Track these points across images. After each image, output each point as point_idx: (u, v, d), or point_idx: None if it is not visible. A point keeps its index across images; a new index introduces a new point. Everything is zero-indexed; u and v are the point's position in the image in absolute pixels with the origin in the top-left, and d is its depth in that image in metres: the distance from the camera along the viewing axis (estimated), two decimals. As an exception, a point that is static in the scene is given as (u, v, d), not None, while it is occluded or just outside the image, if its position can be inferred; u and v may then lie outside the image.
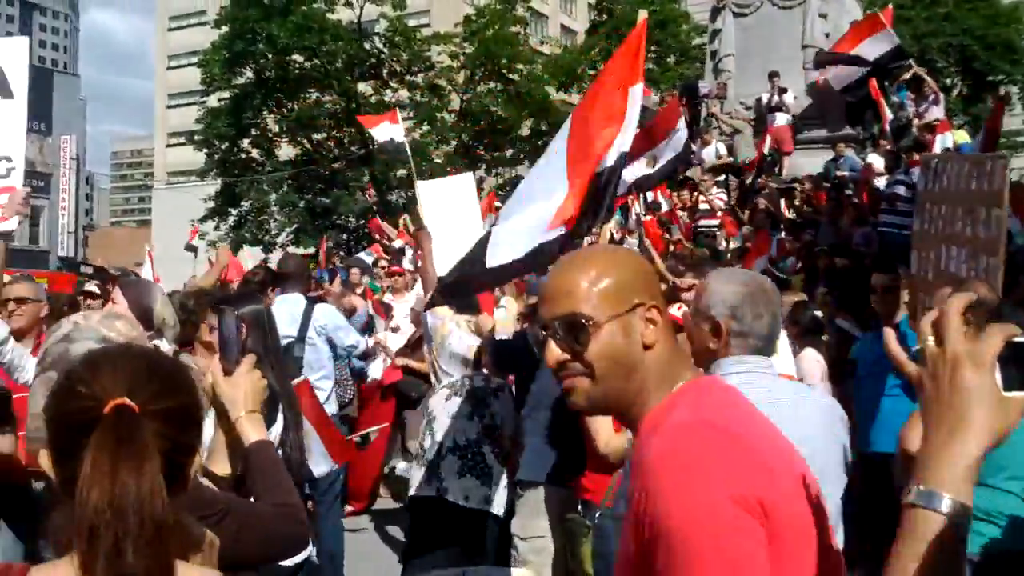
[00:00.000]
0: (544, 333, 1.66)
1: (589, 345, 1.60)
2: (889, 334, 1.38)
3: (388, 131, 12.49)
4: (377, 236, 15.71)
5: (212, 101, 37.33)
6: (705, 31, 25.98)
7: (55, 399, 1.53)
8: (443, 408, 4.84)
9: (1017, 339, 1.20)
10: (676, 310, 6.61)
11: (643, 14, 4.89)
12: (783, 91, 15.99)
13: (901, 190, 12.72)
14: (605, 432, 3.84)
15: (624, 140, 4.26)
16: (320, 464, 4.56)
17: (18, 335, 4.17)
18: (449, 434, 4.77)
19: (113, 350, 1.66)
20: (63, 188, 59.97)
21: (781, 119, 16.03)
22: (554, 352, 1.63)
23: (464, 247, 6.51)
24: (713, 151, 16.07)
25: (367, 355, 7.82)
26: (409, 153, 12.08)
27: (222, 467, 2.30)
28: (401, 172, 35.25)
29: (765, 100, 16.28)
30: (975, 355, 1.20)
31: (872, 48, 14.46)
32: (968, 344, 1.21)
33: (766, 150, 15.35)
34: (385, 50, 36.76)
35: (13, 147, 3.46)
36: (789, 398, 2.67)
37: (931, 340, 1.25)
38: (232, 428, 2.26)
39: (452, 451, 4.74)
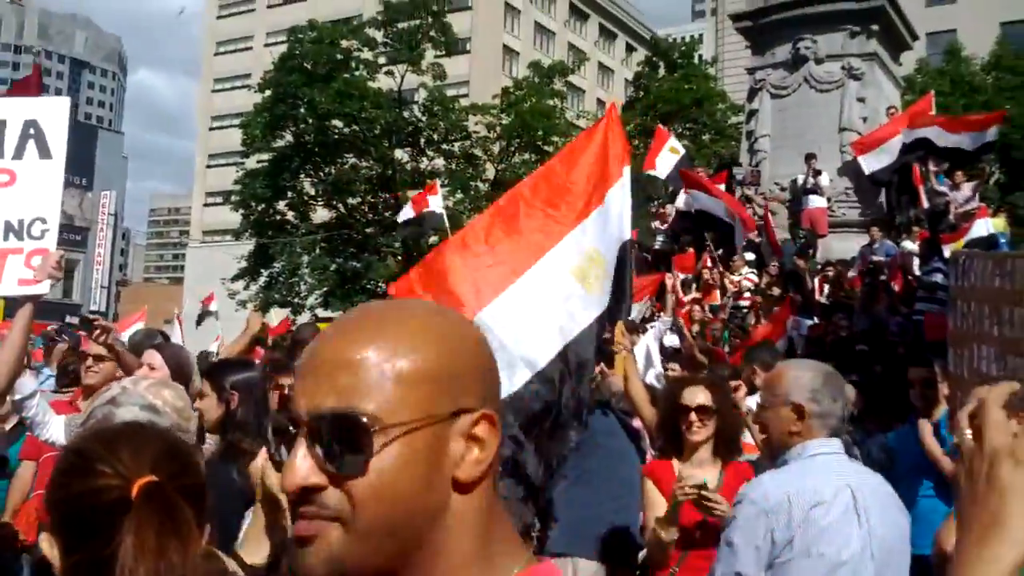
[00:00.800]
0: (296, 432, 0.99)
1: (366, 469, 0.93)
2: (925, 427, 1.27)
3: (430, 203, 12.70)
4: None
5: (251, 163, 37.94)
6: (741, 110, 26.14)
7: (68, 479, 1.47)
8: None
9: None
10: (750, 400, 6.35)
11: (612, 100, 4.93)
12: (818, 173, 15.93)
13: (939, 278, 12.55)
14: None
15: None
16: None
17: (88, 392, 4.10)
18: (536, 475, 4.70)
19: (125, 428, 1.65)
20: (99, 243, 61.05)
21: (816, 201, 15.95)
22: (299, 470, 0.95)
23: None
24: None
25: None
26: (447, 223, 12.13)
27: (254, 555, 2.32)
28: (433, 239, 35.44)
29: (800, 182, 16.22)
30: (1015, 450, 1.10)
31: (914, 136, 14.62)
32: (1007, 438, 1.11)
33: (798, 233, 15.33)
34: (423, 118, 37.29)
35: (49, 208, 3.40)
36: (872, 483, 2.87)
37: (968, 434, 1.16)
38: (273, 516, 2.28)
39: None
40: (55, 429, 4.13)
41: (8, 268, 3.28)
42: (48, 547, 1.46)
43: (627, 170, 4.43)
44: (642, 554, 4.29)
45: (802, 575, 2.61)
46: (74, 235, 60.48)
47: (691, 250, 15.16)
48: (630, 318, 8.75)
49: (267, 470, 2.25)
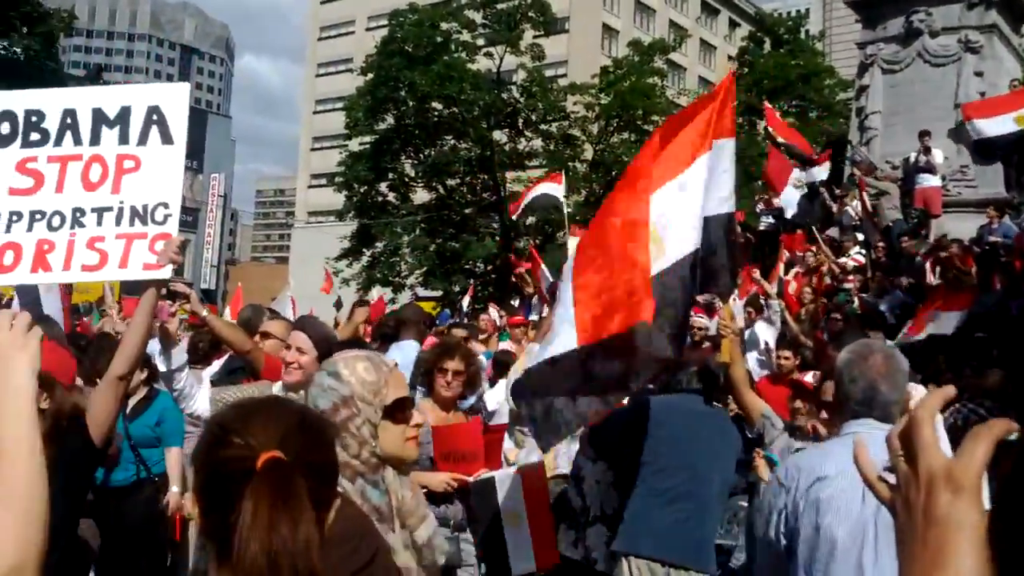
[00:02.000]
0: None
1: None
2: (859, 444, 1.09)
3: (548, 189, 12.70)
4: (515, 279, 15.55)
5: (354, 145, 38.65)
6: (850, 86, 25.27)
7: (207, 447, 1.56)
8: (592, 472, 4.78)
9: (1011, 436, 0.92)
10: (810, 376, 6.30)
11: (729, 68, 4.77)
12: (929, 150, 15.31)
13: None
14: None
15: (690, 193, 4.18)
16: (520, 562, 4.33)
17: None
18: (596, 501, 4.69)
19: (264, 402, 1.70)
20: (209, 223, 63.19)
21: (929, 180, 15.34)
22: None
23: None
24: (853, 212, 15.50)
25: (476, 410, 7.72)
26: (565, 207, 12.13)
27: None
28: (530, 219, 35.50)
29: (913, 160, 15.63)
30: (953, 476, 0.93)
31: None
32: (943, 462, 0.94)
33: (911, 212, 14.78)
34: (522, 99, 37.32)
35: (171, 193, 3.45)
36: None
37: (900, 457, 0.99)
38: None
39: (600, 520, 4.64)
40: (201, 402, 4.31)
41: (133, 253, 3.35)
42: (191, 506, 1.55)
43: (726, 143, 4.30)
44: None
45: (807, 544, 2.78)
46: (185, 216, 62.33)
47: (800, 232, 14.82)
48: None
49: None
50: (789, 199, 16.02)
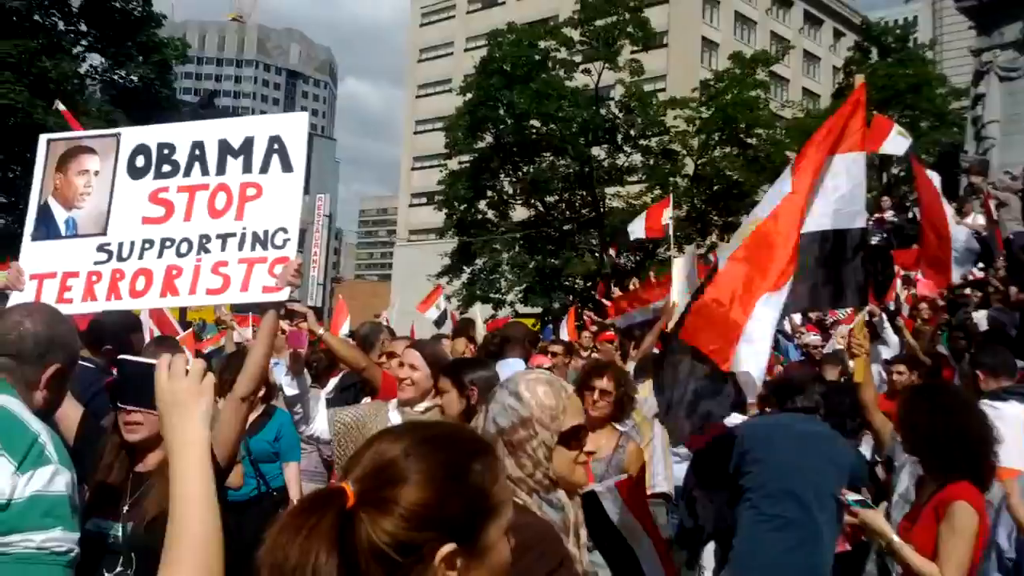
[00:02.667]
0: None
1: None
2: (1012, 487, 0.93)
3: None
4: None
5: (453, 164, 39.16)
6: (963, 95, 24.34)
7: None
8: (704, 493, 4.72)
9: None
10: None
11: (860, 78, 4.59)
12: None
13: None
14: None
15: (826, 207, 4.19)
16: None
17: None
18: (709, 521, 4.62)
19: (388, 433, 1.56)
20: (315, 243, 64.75)
21: (1053, 191, 14.64)
22: None
23: None
24: (971, 223, 14.84)
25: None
26: (671, 233, 12.09)
27: None
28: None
29: (1034, 169, 14.94)
30: None
31: None
32: None
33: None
34: (620, 115, 37.17)
35: (290, 218, 3.56)
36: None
37: None
38: None
39: (713, 537, 4.58)
40: (320, 423, 4.38)
41: (254, 277, 3.49)
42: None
43: (858, 156, 4.21)
44: None
45: None
46: (293, 236, 64.70)
47: (915, 246, 14.26)
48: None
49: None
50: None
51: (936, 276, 9.71)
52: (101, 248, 3.67)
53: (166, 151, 3.76)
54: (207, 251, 3.56)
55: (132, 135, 3.86)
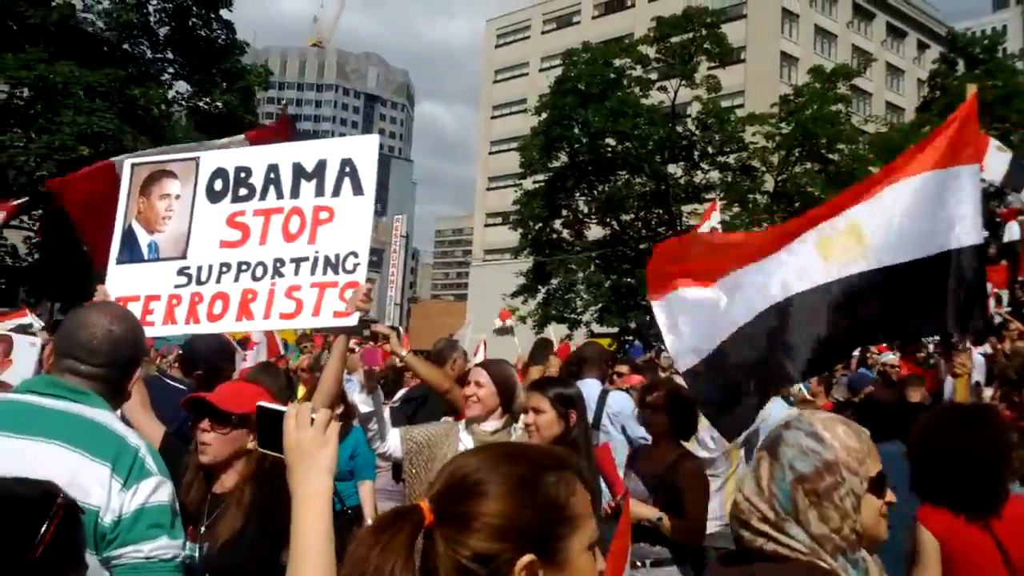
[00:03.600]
0: None
1: None
2: None
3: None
4: None
5: (528, 184, 39.16)
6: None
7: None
8: None
9: None
10: None
11: (972, 88, 4.31)
12: None
13: None
14: None
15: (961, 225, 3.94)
16: None
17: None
18: None
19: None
20: (392, 263, 65.54)
21: None
22: None
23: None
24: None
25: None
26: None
27: None
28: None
29: None
30: None
31: None
32: None
33: None
34: (697, 132, 36.76)
35: (360, 242, 3.56)
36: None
37: None
38: None
39: None
40: (392, 440, 4.31)
41: (325, 301, 3.49)
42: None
43: (970, 170, 3.95)
44: None
45: None
46: (371, 256, 65.32)
47: (1004, 262, 13.65)
48: None
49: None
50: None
51: None
52: (181, 272, 3.74)
53: (243, 175, 3.80)
54: (281, 275, 3.57)
55: (211, 159, 3.92)
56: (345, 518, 5.92)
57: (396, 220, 66.16)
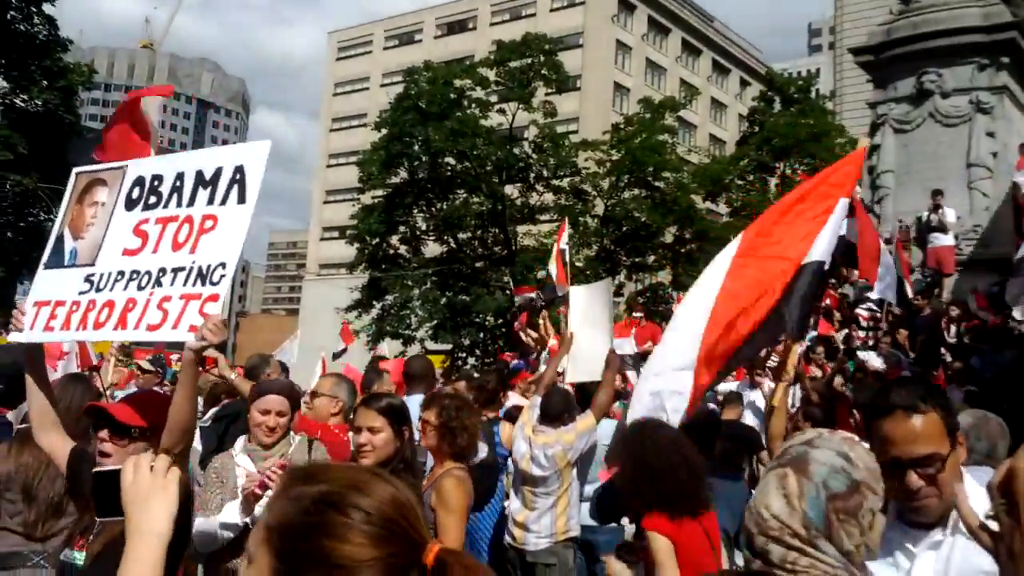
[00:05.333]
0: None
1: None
2: (960, 491, 1.10)
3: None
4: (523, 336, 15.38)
5: (366, 198, 38.93)
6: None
7: (386, 543, 1.38)
8: None
9: None
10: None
11: (864, 142, 5.09)
12: (937, 208, 15.30)
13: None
14: None
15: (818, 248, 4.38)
16: None
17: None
18: None
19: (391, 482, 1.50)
20: (222, 274, 63.33)
21: (942, 239, 15.34)
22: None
23: (594, 353, 6.44)
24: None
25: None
26: (568, 259, 12.10)
27: None
28: (541, 273, 35.48)
29: (925, 218, 15.64)
30: None
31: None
32: None
33: (923, 272, 14.76)
34: (533, 155, 37.64)
35: (231, 253, 3.36)
36: None
37: (1003, 504, 0.98)
38: None
39: None
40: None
41: (186, 314, 3.31)
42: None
43: (842, 202, 4.49)
44: None
45: None
46: (198, 267, 63.07)
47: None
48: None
49: None
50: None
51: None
52: (87, 279, 3.63)
53: (156, 182, 3.68)
54: (160, 285, 3.42)
55: (136, 167, 3.81)
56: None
57: (227, 231, 64.07)
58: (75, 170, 4.04)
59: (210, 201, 3.49)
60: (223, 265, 3.35)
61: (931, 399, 2.44)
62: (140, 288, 3.45)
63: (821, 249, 4.34)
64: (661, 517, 3.77)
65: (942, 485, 2.36)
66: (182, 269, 3.41)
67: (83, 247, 3.75)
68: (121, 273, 3.54)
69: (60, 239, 3.85)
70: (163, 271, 3.44)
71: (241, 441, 4.55)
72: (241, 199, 3.43)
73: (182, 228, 3.50)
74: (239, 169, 3.48)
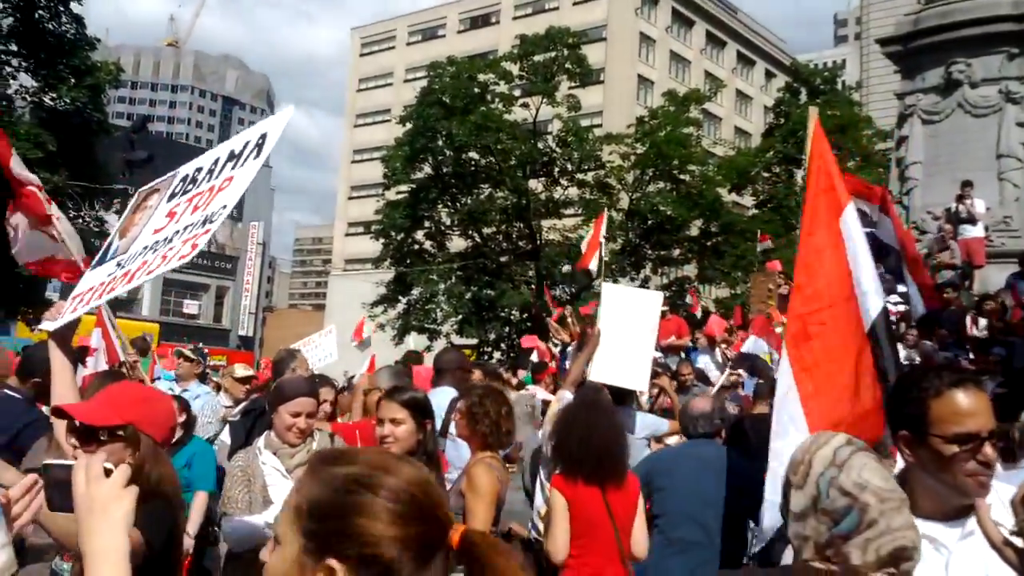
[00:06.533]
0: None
1: None
2: (981, 507, 1.09)
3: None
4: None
5: (391, 194, 39.05)
6: (888, 136, 25.15)
7: (412, 519, 1.41)
8: None
9: None
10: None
11: (814, 112, 4.76)
12: (962, 199, 15.13)
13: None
14: None
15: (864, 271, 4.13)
16: None
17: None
18: None
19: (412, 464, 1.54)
20: (248, 271, 63.77)
21: (971, 231, 15.17)
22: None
23: (631, 362, 6.41)
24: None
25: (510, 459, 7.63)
26: (602, 254, 12.19)
27: None
28: (566, 268, 35.50)
29: (953, 210, 15.47)
30: None
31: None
32: None
33: (958, 261, 14.60)
34: (557, 149, 37.58)
35: (234, 196, 3.42)
36: None
37: None
38: None
39: None
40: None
41: (179, 248, 3.36)
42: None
43: (849, 211, 4.25)
44: None
45: None
46: (224, 263, 63.37)
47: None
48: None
49: None
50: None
51: None
52: (119, 264, 3.74)
53: (197, 173, 3.83)
54: (170, 242, 3.49)
55: (186, 167, 3.96)
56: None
57: (252, 226, 64.29)
58: (141, 190, 4.20)
59: (233, 168, 3.60)
60: (224, 207, 3.40)
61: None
62: (155, 251, 3.53)
63: (870, 288, 4.08)
64: (559, 478, 4.39)
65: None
66: (193, 224, 3.46)
67: (124, 243, 3.87)
68: (146, 247, 3.63)
69: (108, 245, 3.99)
70: (178, 232, 3.51)
71: (264, 438, 4.51)
72: (257, 155, 3.53)
73: (204, 195, 3.60)
74: (263, 136, 3.59)
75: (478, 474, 4.29)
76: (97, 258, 3.98)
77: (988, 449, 2.26)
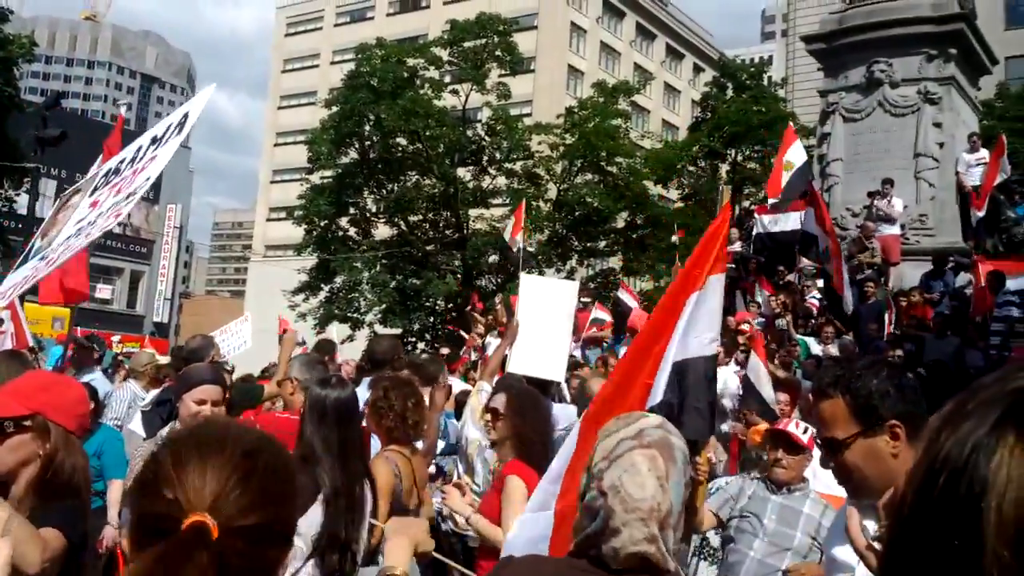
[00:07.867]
0: None
1: None
2: (851, 513, 1.16)
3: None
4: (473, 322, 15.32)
5: (315, 178, 38.34)
6: (812, 133, 25.61)
7: (139, 493, 1.37)
8: None
9: None
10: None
11: (726, 195, 4.77)
12: (877, 195, 15.49)
13: (1015, 311, 12.06)
14: None
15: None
16: None
17: None
18: None
19: (211, 446, 1.39)
20: (164, 255, 61.99)
21: (888, 228, 15.49)
22: None
23: (549, 352, 6.34)
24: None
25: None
26: (522, 247, 12.15)
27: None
28: (492, 258, 35.36)
29: (872, 207, 15.77)
30: None
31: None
32: None
33: (878, 260, 15.00)
34: (486, 138, 37.36)
35: (157, 168, 3.58)
36: None
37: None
38: None
39: None
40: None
41: (104, 216, 3.58)
42: (126, 545, 1.36)
43: (718, 279, 4.14)
44: None
45: None
46: (140, 247, 61.47)
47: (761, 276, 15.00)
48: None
49: None
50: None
51: None
52: (42, 258, 3.86)
53: (120, 163, 3.92)
54: (94, 223, 3.63)
55: (109, 163, 4.11)
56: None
57: (170, 209, 62.36)
58: (63, 195, 4.38)
59: (155, 149, 3.70)
60: (148, 179, 3.54)
61: (841, 384, 2.31)
62: (78, 236, 3.64)
63: (705, 342, 4.04)
64: (519, 464, 4.42)
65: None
66: (117, 202, 3.61)
67: (47, 241, 3.98)
68: (69, 236, 3.73)
69: (30, 248, 4.16)
70: (102, 213, 3.63)
71: (169, 428, 4.39)
72: (179, 132, 3.64)
73: (127, 179, 3.70)
74: (185, 115, 3.69)
75: (375, 468, 4.29)
76: (19, 262, 4.10)
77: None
